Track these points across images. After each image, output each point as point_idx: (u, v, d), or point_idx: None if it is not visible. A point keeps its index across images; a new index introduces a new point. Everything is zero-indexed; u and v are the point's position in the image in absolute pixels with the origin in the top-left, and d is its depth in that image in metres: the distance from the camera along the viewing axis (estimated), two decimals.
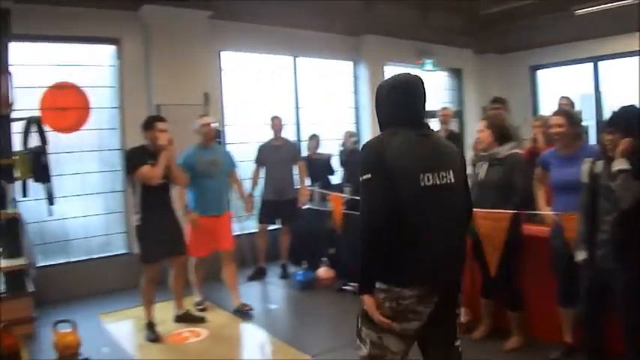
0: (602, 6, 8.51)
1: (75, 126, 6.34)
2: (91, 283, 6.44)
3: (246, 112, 8.09)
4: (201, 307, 5.77)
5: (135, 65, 6.94)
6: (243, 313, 5.57)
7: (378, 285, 2.48)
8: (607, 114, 5.61)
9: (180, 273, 5.38)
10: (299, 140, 8.56)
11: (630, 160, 3.21)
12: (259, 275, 7.09)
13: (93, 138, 6.81)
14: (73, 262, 6.64)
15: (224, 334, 5.15)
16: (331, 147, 8.59)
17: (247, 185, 6.71)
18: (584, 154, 3.78)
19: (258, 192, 6.96)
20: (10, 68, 5.46)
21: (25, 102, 5.91)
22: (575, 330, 4.03)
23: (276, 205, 6.88)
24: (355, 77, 9.51)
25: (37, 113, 5.83)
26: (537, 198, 4.34)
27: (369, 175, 2.42)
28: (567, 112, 4.27)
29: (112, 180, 6.95)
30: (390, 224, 2.39)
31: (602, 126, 4.04)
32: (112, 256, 6.92)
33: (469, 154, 5.44)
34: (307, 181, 7.39)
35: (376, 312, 2.45)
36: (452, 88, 11.16)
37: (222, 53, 7.85)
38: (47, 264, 6.39)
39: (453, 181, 2.53)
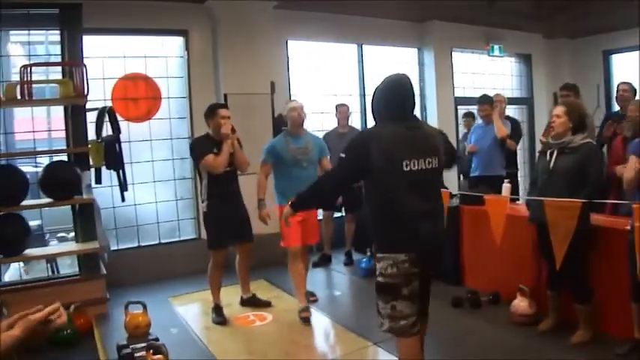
0: None
1: (146, 115, 6.56)
2: (160, 266, 6.65)
3: (313, 100, 8.08)
4: (305, 315, 5.11)
5: (202, 56, 7.10)
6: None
7: (380, 255, 3.10)
8: None
9: (245, 259, 5.47)
10: (365, 128, 8.52)
11: None
12: (324, 262, 7.15)
13: (163, 127, 7.00)
14: (144, 246, 6.89)
15: (288, 318, 5.21)
16: None
17: None
18: None
19: None
20: (84, 61, 5.69)
21: (99, 93, 6.17)
22: None
23: None
24: (421, 64, 9.39)
25: (109, 103, 6.05)
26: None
27: (344, 155, 3.12)
28: None
29: (181, 167, 7.15)
30: (338, 191, 3.69)
31: None
32: (181, 241, 7.13)
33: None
34: None
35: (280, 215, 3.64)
36: (520, 74, 10.84)
37: (289, 42, 7.92)
38: (119, 248, 6.66)
39: (437, 166, 3.12)
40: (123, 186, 5.77)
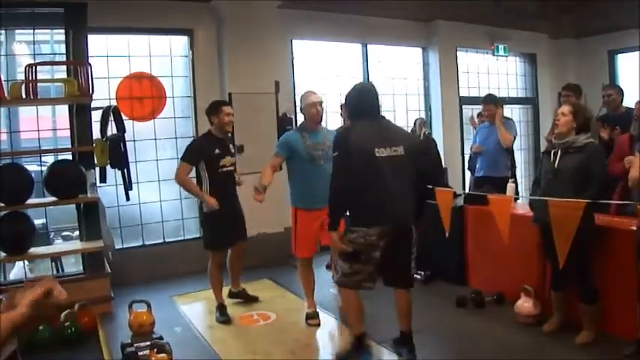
0: None
1: (151, 114, 6.58)
2: (165, 265, 6.66)
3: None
4: (313, 320, 5.06)
5: (207, 55, 7.10)
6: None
7: (352, 228, 3.79)
8: None
9: (238, 256, 5.49)
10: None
11: None
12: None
13: (168, 126, 7.00)
14: (149, 245, 6.89)
15: (292, 318, 5.22)
16: None
17: None
18: None
19: None
20: (89, 60, 5.70)
21: (103, 92, 6.17)
22: None
23: None
24: (425, 64, 9.37)
25: (114, 102, 6.06)
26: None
27: (337, 153, 3.79)
28: None
29: None
30: (346, 186, 3.76)
31: None
32: (185, 240, 7.12)
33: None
34: None
35: (339, 243, 3.83)
36: (525, 73, 10.81)
37: (293, 42, 7.92)
38: (124, 247, 6.67)
39: (403, 153, 3.81)
40: (127, 185, 5.77)
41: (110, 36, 6.62)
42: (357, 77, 8.54)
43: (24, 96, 5.14)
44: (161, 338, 4.27)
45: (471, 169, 7.45)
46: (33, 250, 5.33)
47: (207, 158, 5.04)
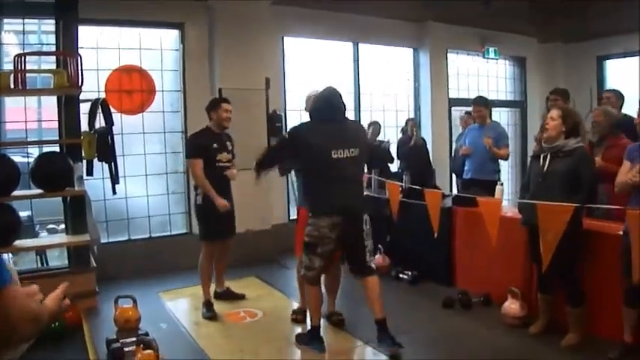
0: None
1: (139, 108, 6.54)
2: (151, 261, 6.59)
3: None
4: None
5: (198, 49, 7.06)
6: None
7: (309, 220, 4.20)
8: None
9: (224, 253, 5.48)
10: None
11: None
12: None
13: (157, 120, 6.96)
14: (135, 240, 6.85)
15: (279, 315, 5.22)
16: (391, 134, 8.54)
17: None
18: None
19: None
20: (79, 51, 5.63)
21: (92, 84, 6.10)
22: (638, 330, 3.90)
23: None
24: (416, 64, 9.40)
25: (103, 95, 6.00)
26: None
27: (280, 138, 4.52)
28: None
29: (174, 161, 7.11)
30: (269, 166, 4.47)
31: None
32: (172, 235, 7.09)
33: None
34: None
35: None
36: (514, 77, 10.88)
37: (285, 39, 7.91)
38: (109, 241, 6.59)
39: (357, 154, 4.19)
40: (114, 178, 5.72)
41: (100, 28, 6.55)
42: (347, 76, 8.54)
43: (12, 86, 5.07)
44: (147, 334, 4.22)
45: (456, 171, 7.43)
46: (18, 242, 5.24)
47: (205, 152, 5.11)
